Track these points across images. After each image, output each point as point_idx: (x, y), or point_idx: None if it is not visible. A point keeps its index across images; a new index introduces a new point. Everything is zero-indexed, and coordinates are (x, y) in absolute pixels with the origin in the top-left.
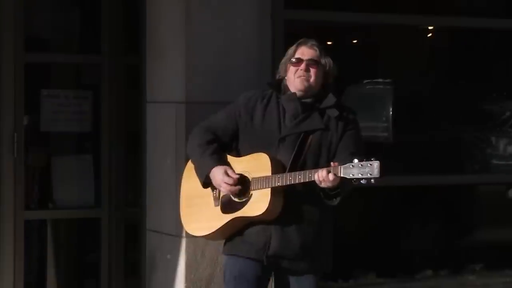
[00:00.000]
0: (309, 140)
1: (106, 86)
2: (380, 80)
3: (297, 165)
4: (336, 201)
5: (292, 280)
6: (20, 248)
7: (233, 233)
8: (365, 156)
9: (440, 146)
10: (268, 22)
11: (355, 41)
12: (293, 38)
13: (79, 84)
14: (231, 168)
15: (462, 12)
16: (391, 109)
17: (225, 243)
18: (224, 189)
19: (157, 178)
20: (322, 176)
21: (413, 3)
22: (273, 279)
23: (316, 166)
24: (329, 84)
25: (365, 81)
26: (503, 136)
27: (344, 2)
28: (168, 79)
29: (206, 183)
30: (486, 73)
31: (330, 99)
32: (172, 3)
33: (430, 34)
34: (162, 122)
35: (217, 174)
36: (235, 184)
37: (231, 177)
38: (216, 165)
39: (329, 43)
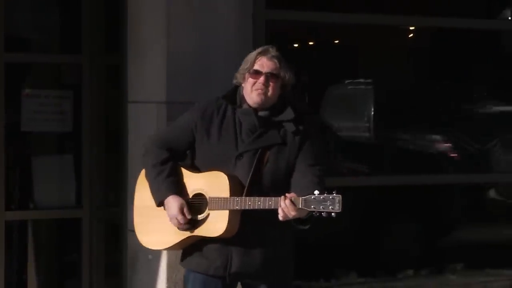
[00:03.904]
0: (266, 156)
1: (87, 86)
2: (362, 80)
3: (256, 182)
4: (307, 226)
5: None
6: (1, 249)
7: (190, 245)
8: (323, 169)
9: (421, 145)
10: (249, 23)
11: (336, 41)
12: (274, 38)
13: (60, 84)
14: (186, 189)
15: (442, 13)
16: (372, 109)
17: (184, 255)
18: (173, 224)
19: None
20: (286, 208)
21: (394, 4)
22: None
23: (274, 182)
24: (287, 92)
25: (347, 81)
26: (484, 136)
27: (325, 3)
28: (149, 79)
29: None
30: (467, 73)
31: (288, 113)
32: (153, 3)
33: (411, 34)
34: (143, 122)
35: (173, 207)
36: (185, 224)
37: (185, 217)
38: (172, 194)
39: (310, 43)
